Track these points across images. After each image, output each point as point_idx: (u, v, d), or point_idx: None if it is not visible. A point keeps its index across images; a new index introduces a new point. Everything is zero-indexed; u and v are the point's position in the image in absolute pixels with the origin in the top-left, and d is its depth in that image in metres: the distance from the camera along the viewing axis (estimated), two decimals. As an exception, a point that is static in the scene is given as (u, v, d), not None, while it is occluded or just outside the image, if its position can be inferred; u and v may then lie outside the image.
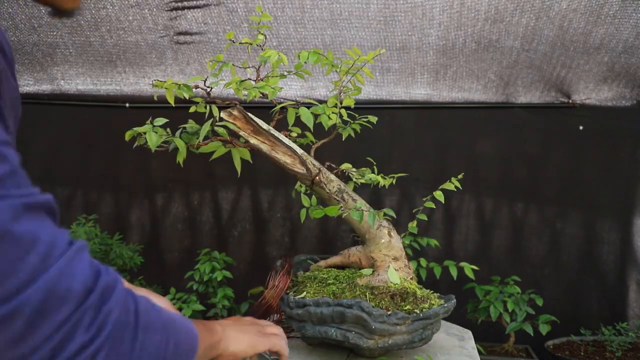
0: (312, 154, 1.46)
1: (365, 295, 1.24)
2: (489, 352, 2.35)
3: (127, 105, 2.73)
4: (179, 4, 2.12)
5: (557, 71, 2.43)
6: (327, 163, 1.45)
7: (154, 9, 2.15)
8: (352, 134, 1.55)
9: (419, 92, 2.63)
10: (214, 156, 1.38)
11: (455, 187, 1.50)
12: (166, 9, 2.15)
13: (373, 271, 1.37)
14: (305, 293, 1.32)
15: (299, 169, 1.37)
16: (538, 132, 2.63)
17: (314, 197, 1.50)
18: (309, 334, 1.27)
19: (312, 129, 1.40)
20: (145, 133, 1.32)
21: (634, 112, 2.57)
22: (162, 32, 2.28)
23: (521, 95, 2.60)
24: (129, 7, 2.14)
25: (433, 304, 1.24)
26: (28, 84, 2.69)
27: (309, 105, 1.40)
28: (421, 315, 1.19)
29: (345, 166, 1.47)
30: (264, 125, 1.33)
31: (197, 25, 2.25)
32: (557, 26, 2.14)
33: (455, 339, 1.44)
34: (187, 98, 1.36)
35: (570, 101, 2.59)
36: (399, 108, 2.69)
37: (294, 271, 1.49)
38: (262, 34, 1.42)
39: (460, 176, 1.52)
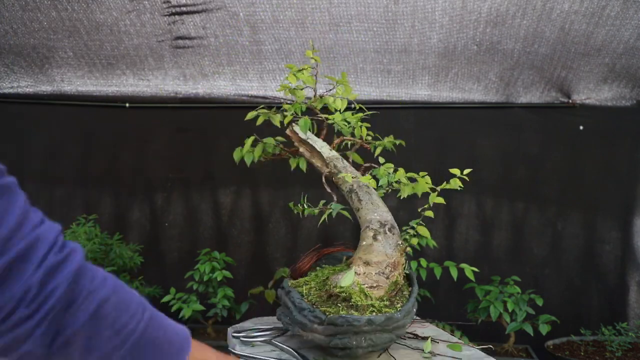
0: (351, 159, 1.60)
1: (315, 289, 1.28)
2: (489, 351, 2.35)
3: (127, 105, 2.73)
4: (177, 9, 2.12)
5: (557, 72, 2.43)
6: (368, 164, 1.55)
7: (155, 14, 2.16)
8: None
9: (420, 93, 2.63)
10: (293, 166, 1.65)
11: (459, 186, 1.51)
12: (165, 14, 2.15)
13: (344, 271, 1.36)
14: (298, 280, 1.39)
15: (325, 170, 1.52)
16: (538, 132, 2.63)
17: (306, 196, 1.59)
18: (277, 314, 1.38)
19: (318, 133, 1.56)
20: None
21: (634, 112, 2.57)
22: (160, 36, 2.28)
23: (521, 96, 2.60)
24: (127, 12, 2.14)
25: (355, 314, 1.17)
26: (28, 85, 2.69)
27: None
28: (331, 319, 1.14)
29: (386, 166, 1.54)
30: (303, 135, 1.54)
31: (196, 29, 2.25)
32: (558, 28, 2.14)
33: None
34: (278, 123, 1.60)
35: (571, 101, 2.59)
36: (399, 108, 2.69)
37: (332, 263, 1.51)
38: (314, 57, 1.60)
39: (467, 171, 1.50)
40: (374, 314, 1.19)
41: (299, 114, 1.55)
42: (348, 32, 2.20)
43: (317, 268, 1.46)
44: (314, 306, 1.21)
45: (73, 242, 0.64)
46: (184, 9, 2.13)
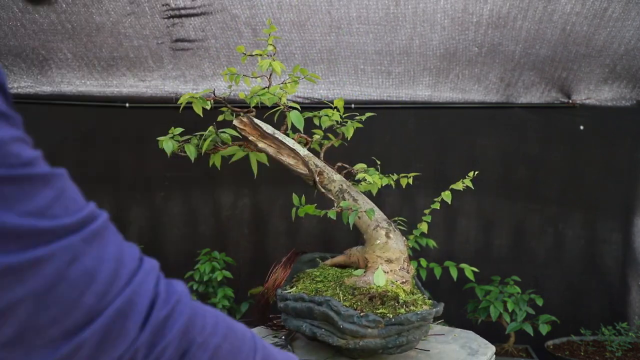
0: (322, 155, 1.49)
1: (344, 295, 1.25)
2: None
3: (127, 105, 2.73)
4: (177, 12, 2.12)
5: (558, 73, 2.43)
6: (340, 163, 1.48)
7: (155, 16, 2.15)
8: (347, 133, 1.56)
9: (420, 94, 2.63)
10: (233, 159, 1.51)
11: (466, 185, 1.53)
12: (164, 17, 2.14)
13: (364, 272, 1.36)
14: (294, 288, 1.35)
15: (302, 169, 1.43)
16: (538, 132, 2.63)
17: (303, 196, 1.53)
18: (288, 326, 1.32)
19: (302, 131, 1.46)
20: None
21: (634, 112, 2.57)
22: (160, 39, 2.28)
23: (521, 96, 2.60)
24: (127, 14, 2.14)
25: (414, 310, 1.19)
26: (28, 86, 2.69)
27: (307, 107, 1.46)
28: (393, 320, 1.15)
29: (360, 166, 1.49)
30: (269, 130, 1.43)
31: (195, 32, 2.25)
32: (559, 29, 2.14)
33: (465, 353, 1.37)
34: (209, 108, 1.45)
35: (571, 101, 2.59)
36: (399, 108, 2.69)
37: (303, 267, 1.51)
38: (272, 44, 1.46)
39: (472, 174, 1.52)
40: (424, 307, 1.22)
41: (263, 105, 1.43)
42: (349, 33, 2.20)
43: (298, 274, 1.46)
44: (359, 311, 1.19)
45: (177, 283, 0.59)
46: (183, 11, 2.13)
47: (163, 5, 2.10)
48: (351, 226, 1.37)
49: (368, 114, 1.57)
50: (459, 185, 1.55)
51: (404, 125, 2.72)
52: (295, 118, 1.42)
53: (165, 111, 2.77)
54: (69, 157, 2.78)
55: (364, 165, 1.52)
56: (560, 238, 2.62)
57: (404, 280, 1.31)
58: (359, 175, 1.45)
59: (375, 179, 1.41)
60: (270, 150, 1.44)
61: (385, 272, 1.29)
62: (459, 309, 2.41)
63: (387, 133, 2.71)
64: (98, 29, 2.22)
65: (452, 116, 2.68)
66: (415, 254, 2.05)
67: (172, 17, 2.14)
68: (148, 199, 2.81)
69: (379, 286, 1.24)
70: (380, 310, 1.18)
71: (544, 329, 2.16)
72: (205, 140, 1.46)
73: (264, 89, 1.47)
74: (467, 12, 2.06)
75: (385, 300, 1.21)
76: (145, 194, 2.82)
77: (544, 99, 2.61)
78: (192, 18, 2.16)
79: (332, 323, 1.19)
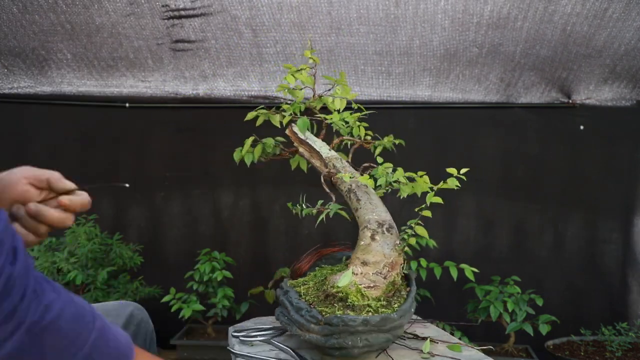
0: (350, 156, 1.55)
1: (313, 290, 1.29)
2: (489, 352, 2.35)
3: (127, 105, 2.73)
4: (176, 13, 2.12)
5: (558, 73, 2.43)
6: (367, 164, 1.51)
7: (155, 17, 2.16)
8: (354, 134, 1.60)
9: (420, 94, 2.63)
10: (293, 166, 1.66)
11: (456, 185, 1.50)
12: (164, 17, 2.15)
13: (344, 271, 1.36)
14: (297, 280, 1.40)
15: (324, 170, 1.50)
16: (538, 132, 2.63)
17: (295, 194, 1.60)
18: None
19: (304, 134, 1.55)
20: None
21: (634, 112, 2.57)
22: (160, 39, 2.28)
23: (522, 96, 2.61)
24: (126, 15, 2.14)
25: (350, 314, 1.17)
26: (28, 86, 2.69)
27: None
28: (322, 319, 1.16)
29: (385, 165, 1.52)
30: (302, 136, 1.53)
31: (195, 33, 2.25)
32: (560, 30, 2.14)
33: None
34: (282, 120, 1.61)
35: (571, 101, 2.59)
36: (399, 108, 2.69)
37: (331, 263, 1.53)
38: (313, 57, 1.61)
39: (464, 170, 1.49)
40: (370, 314, 1.19)
41: (298, 114, 1.54)
42: (349, 34, 2.20)
43: (317, 268, 1.47)
44: (311, 306, 1.21)
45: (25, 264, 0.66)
46: (182, 12, 2.13)
47: (163, 6, 2.10)
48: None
49: (367, 112, 1.60)
50: (450, 184, 1.51)
51: (404, 125, 2.72)
52: (300, 124, 1.51)
53: (165, 111, 2.77)
54: (69, 157, 2.78)
55: (389, 165, 1.54)
56: (560, 238, 2.62)
57: (372, 285, 1.26)
58: (362, 179, 1.45)
59: (369, 182, 1.41)
60: (306, 154, 1.53)
61: (355, 273, 1.28)
62: (459, 309, 2.41)
63: (388, 133, 2.70)
64: (98, 30, 2.22)
65: (452, 116, 2.68)
66: (415, 254, 2.05)
67: (172, 17, 2.15)
68: (148, 199, 2.81)
69: (337, 286, 1.23)
70: (323, 308, 1.20)
71: (544, 329, 2.16)
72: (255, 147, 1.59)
73: (319, 97, 1.57)
74: (468, 13, 2.06)
75: (335, 300, 1.22)
76: (145, 194, 2.82)
77: (544, 99, 2.61)
78: (192, 19, 2.16)
79: (287, 312, 1.26)
